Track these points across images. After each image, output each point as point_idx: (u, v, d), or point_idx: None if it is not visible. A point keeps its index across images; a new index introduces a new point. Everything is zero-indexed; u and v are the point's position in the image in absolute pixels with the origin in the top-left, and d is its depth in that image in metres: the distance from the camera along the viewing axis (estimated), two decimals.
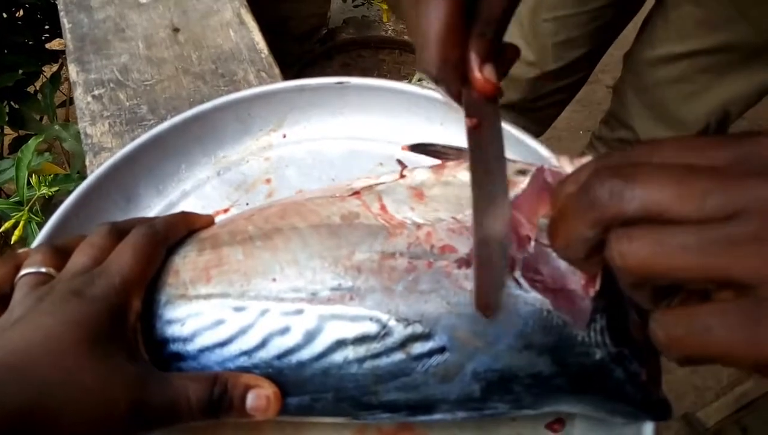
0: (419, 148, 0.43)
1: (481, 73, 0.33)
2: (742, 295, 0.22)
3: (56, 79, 1.02)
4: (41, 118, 1.05)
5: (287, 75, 0.62)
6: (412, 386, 0.33)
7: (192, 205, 0.50)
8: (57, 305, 0.31)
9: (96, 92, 0.62)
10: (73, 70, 0.65)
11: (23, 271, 0.35)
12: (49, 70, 1.10)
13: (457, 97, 0.35)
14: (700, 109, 0.81)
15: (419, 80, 1.79)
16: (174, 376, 0.33)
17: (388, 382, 0.33)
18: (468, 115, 0.35)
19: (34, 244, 0.44)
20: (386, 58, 1.94)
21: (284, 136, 0.53)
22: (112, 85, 0.62)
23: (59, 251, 0.36)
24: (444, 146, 0.42)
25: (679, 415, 1.02)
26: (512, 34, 0.93)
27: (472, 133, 0.35)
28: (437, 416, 0.34)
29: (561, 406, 0.35)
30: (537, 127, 1.12)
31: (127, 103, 0.60)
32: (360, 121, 0.53)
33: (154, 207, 0.50)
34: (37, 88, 1.06)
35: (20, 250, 0.38)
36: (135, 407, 0.30)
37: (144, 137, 0.50)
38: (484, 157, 0.34)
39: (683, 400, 1.04)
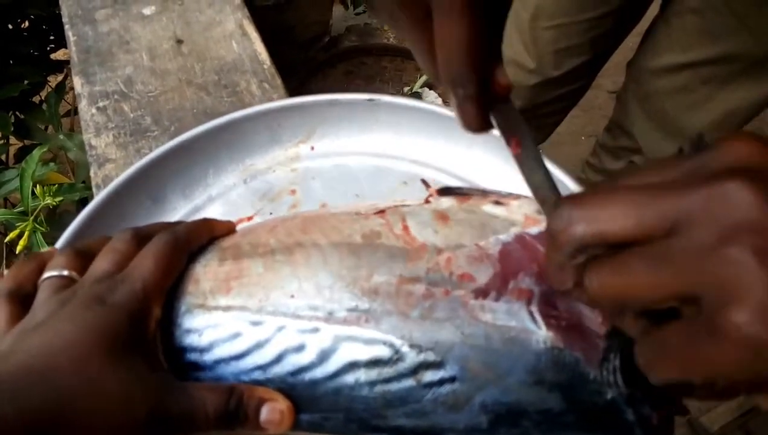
0: (446, 193, 0.43)
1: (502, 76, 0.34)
2: (699, 310, 0.22)
3: (61, 89, 1.03)
4: (46, 128, 1.06)
5: (290, 83, 0.62)
6: (420, 413, 0.33)
7: (217, 210, 0.51)
8: (79, 312, 0.32)
9: (100, 104, 0.63)
10: (77, 83, 0.66)
11: (46, 274, 0.35)
12: (54, 80, 1.11)
13: (480, 111, 0.35)
14: (702, 119, 0.81)
15: (422, 86, 1.79)
16: (192, 386, 0.33)
17: (398, 407, 0.33)
18: (505, 134, 0.33)
19: (60, 242, 0.45)
20: (388, 66, 1.95)
21: (312, 149, 0.54)
22: (116, 96, 0.63)
23: (82, 254, 0.37)
24: (470, 189, 0.42)
25: (684, 420, 1.01)
26: (512, 40, 0.94)
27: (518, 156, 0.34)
28: None
29: None
30: (539, 134, 1.12)
31: (132, 115, 0.61)
32: (387, 138, 0.54)
33: (180, 210, 0.51)
34: (42, 98, 1.07)
35: (44, 250, 0.39)
36: (154, 415, 0.31)
37: (174, 141, 0.51)
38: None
39: (687, 405, 1.03)
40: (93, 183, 0.56)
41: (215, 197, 0.52)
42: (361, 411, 0.33)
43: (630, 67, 0.92)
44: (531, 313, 0.32)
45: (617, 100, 0.98)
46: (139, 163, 0.50)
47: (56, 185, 0.71)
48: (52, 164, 0.75)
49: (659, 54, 0.82)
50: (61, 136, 0.92)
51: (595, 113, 1.80)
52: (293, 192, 0.52)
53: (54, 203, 0.69)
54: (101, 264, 0.36)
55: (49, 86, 1.08)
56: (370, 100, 0.52)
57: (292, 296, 0.35)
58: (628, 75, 0.92)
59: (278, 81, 0.63)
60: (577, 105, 1.08)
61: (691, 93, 0.80)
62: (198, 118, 0.55)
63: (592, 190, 0.26)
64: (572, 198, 0.26)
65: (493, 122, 0.32)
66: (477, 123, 0.31)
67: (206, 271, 0.38)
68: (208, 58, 0.67)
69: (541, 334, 0.32)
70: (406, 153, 0.53)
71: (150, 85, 0.64)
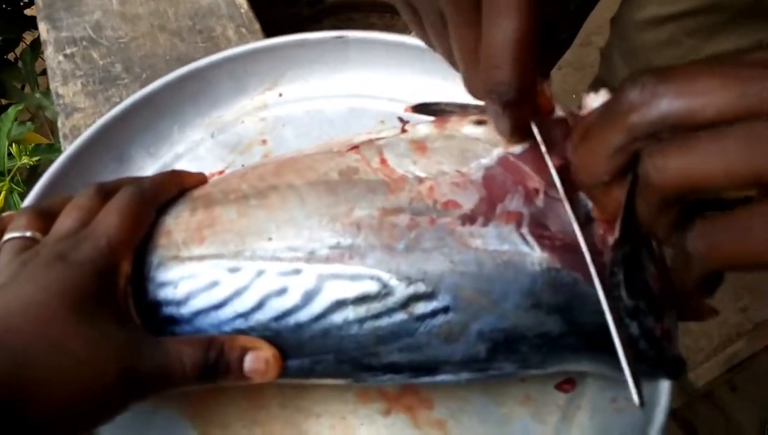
0: (422, 109, 0.41)
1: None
2: None
3: (36, 46, 0.98)
4: (23, 87, 1.02)
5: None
6: (414, 347, 0.31)
7: (185, 167, 0.49)
8: (40, 271, 0.30)
9: (68, 51, 0.59)
10: (43, 29, 0.62)
11: (7, 236, 0.33)
12: (29, 36, 1.06)
13: (522, 125, 0.32)
14: None
15: None
16: (167, 340, 0.31)
17: (390, 343, 0.32)
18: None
19: (22, 207, 0.43)
20: (377, 22, 1.90)
21: (281, 95, 0.52)
22: (84, 43, 0.60)
23: (44, 214, 0.35)
24: (447, 103, 0.41)
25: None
26: None
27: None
28: (441, 377, 0.33)
29: (570, 366, 0.33)
30: None
31: (101, 62, 0.58)
32: (360, 77, 0.51)
33: (147, 169, 0.49)
34: (18, 56, 1.03)
35: (4, 214, 0.36)
36: (126, 374, 0.29)
37: (135, 97, 0.49)
38: None
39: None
40: (60, 133, 0.53)
41: (183, 154, 0.49)
42: (352, 350, 0.32)
43: (614, 22, 0.89)
44: (522, 236, 0.31)
45: (601, 57, 0.96)
46: (99, 122, 0.47)
47: (33, 145, 0.68)
48: (29, 124, 0.72)
49: (643, 6, 0.79)
50: (38, 95, 0.88)
51: (587, 71, 1.77)
52: (264, 142, 0.50)
53: (31, 163, 0.67)
54: (64, 222, 0.34)
55: (24, 43, 1.03)
56: (338, 37, 0.50)
57: (270, 239, 0.33)
58: (612, 30, 0.90)
59: (256, 26, 0.60)
60: (569, 63, 1.05)
61: (676, 46, 0.77)
62: (171, 65, 0.52)
63: (672, 67, 0.23)
64: (652, 70, 0.23)
65: (534, 131, 0.31)
66: (513, 133, 0.31)
67: (177, 223, 0.36)
68: (182, 2, 0.64)
69: (536, 255, 0.30)
70: (381, 91, 0.50)
71: (120, 31, 0.61)
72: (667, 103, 0.22)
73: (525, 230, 0.31)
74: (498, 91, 0.28)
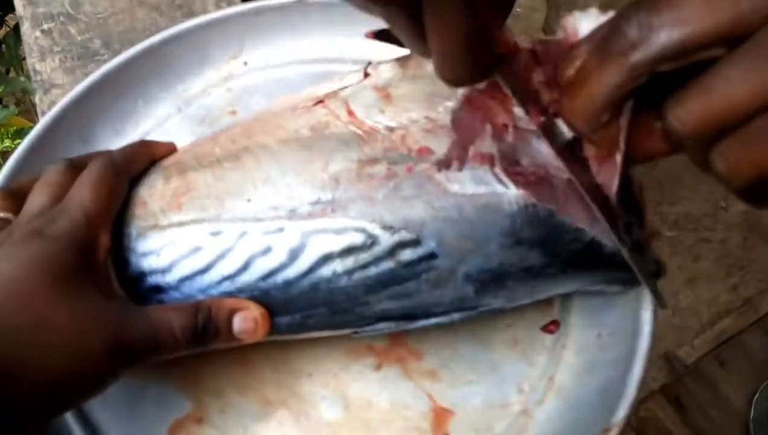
0: (384, 36, 0.41)
1: None
2: None
3: (20, 29, 0.96)
4: (7, 71, 0.99)
5: None
6: (404, 294, 0.32)
7: None
8: (17, 249, 0.29)
9: (45, 26, 0.57)
10: (19, 4, 0.60)
11: None
12: (12, 19, 1.03)
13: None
14: None
15: None
16: (154, 309, 0.31)
17: (380, 291, 0.32)
18: (520, 99, 0.31)
19: None
20: None
21: (245, 64, 0.51)
22: (62, 18, 0.58)
23: (15, 194, 0.34)
24: None
25: (660, 354, 1.04)
26: None
27: None
28: (433, 320, 0.33)
29: (555, 291, 0.35)
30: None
31: (79, 38, 0.57)
32: (325, 41, 0.51)
33: (113, 148, 0.48)
34: (1, 39, 1.00)
35: None
36: (113, 344, 0.29)
37: (95, 75, 0.47)
38: None
39: (664, 340, 1.05)
40: (39, 110, 0.52)
41: (150, 130, 0.48)
42: (342, 302, 0.32)
43: None
44: (497, 175, 0.31)
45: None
46: (60, 104, 0.46)
47: (14, 128, 0.67)
48: (12, 107, 0.70)
49: None
50: (22, 79, 0.85)
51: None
52: (233, 113, 0.49)
53: (13, 146, 0.65)
54: (36, 199, 0.33)
55: (7, 26, 1.00)
56: (299, 1, 0.49)
57: (249, 200, 0.33)
58: None
59: None
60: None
61: None
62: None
63: None
64: (643, 3, 0.22)
65: (501, 84, 0.30)
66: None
67: (152, 193, 0.35)
68: None
69: (511, 193, 0.31)
70: (347, 53, 0.50)
71: (99, 6, 0.59)
72: (666, 36, 0.21)
73: (498, 169, 0.32)
74: (452, 81, 0.27)
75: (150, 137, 0.48)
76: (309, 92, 0.37)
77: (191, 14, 0.58)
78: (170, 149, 0.39)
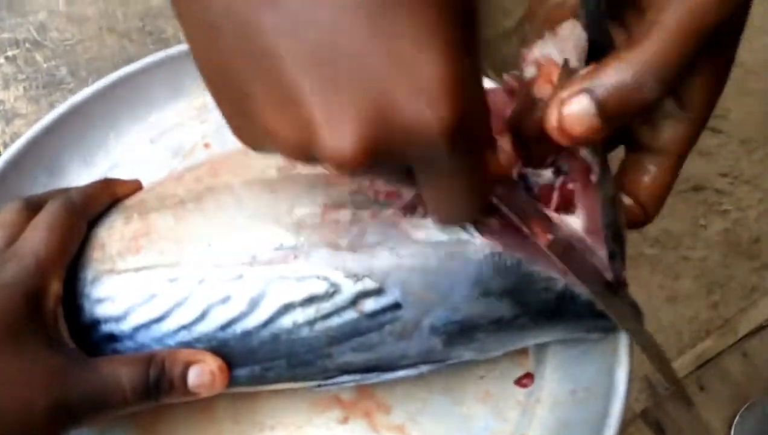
0: None
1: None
2: None
3: None
4: None
5: None
6: (368, 346, 0.30)
7: (124, 176, 0.46)
8: None
9: (9, 53, 0.56)
10: None
11: None
12: None
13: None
14: None
15: None
16: (103, 361, 0.30)
17: (343, 343, 0.30)
18: (523, 220, 0.29)
19: None
20: None
21: None
22: (27, 45, 0.57)
23: None
24: None
25: (642, 376, 1.03)
26: None
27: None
28: (400, 373, 0.32)
29: (529, 342, 0.33)
30: None
31: (45, 65, 0.56)
32: None
33: (82, 181, 0.46)
34: None
35: None
36: (57, 404, 0.27)
37: (65, 105, 0.46)
38: None
39: (645, 359, 1.04)
40: (0, 141, 0.51)
41: (120, 162, 0.47)
42: (304, 353, 0.31)
43: None
44: (461, 224, 0.30)
45: None
46: (26, 135, 0.45)
47: None
48: None
49: None
50: None
51: None
52: (207, 146, 0.47)
53: None
54: None
55: None
56: None
57: (209, 245, 0.32)
58: None
59: None
60: None
61: None
62: (118, 67, 0.49)
63: None
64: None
65: (501, 207, 0.29)
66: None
67: (111, 234, 0.34)
68: (132, 2, 0.61)
69: (477, 242, 0.30)
70: None
71: (66, 33, 0.58)
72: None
73: None
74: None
75: (121, 170, 0.47)
76: None
77: (161, 42, 0.57)
78: (135, 187, 0.38)
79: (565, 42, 0.29)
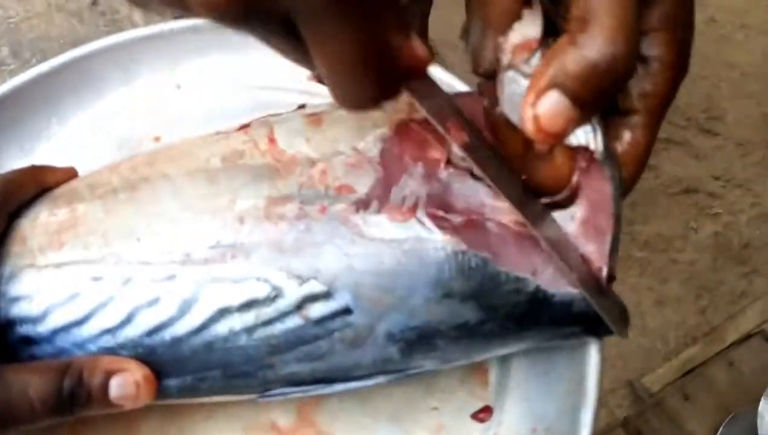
0: None
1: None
2: None
3: None
4: None
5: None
6: (316, 355, 0.27)
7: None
8: None
9: None
10: None
11: None
12: None
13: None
14: None
15: None
16: (10, 369, 0.26)
17: (286, 352, 0.27)
18: (437, 118, 0.26)
19: None
20: None
21: (178, 87, 0.46)
22: None
23: None
24: None
25: (625, 381, 1.01)
26: None
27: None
28: (353, 384, 0.29)
29: (497, 352, 0.30)
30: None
31: None
32: (268, 67, 0.46)
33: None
34: None
35: None
36: None
37: (5, 87, 0.42)
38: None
39: (631, 364, 1.02)
40: None
41: (61, 151, 0.43)
42: (242, 364, 0.27)
43: None
44: (419, 219, 0.27)
45: None
46: None
47: None
48: None
49: None
50: None
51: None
52: (158, 139, 0.43)
53: None
54: None
55: None
56: None
57: (139, 240, 0.28)
58: None
59: None
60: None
61: None
62: (65, 49, 0.46)
63: None
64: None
65: (415, 102, 0.25)
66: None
67: (35, 226, 0.30)
68: None
69: (437, 239, 0.27)
70: (293, 82, 0.45)
71: (11, 10, 0.53)
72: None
73: (421, 212, 0.27)
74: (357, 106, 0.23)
75: (61, 159, 0.43)
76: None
77: (114, 23, 0.53)
78: (68, 175, 0.34)
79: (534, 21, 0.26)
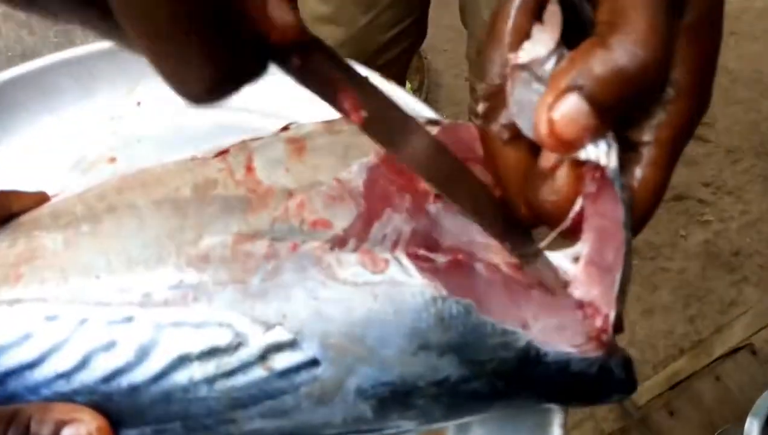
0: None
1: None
2: None
3: None
4: None
5: None
6: (280, 412, 0.25)
7: (8, 187, 0.40)
8: None
9: None
10: None
11: None
12: None
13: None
14: None
15: None
16: None
17: (250, 406, 0.25)
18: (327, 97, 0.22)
19: None
20: None
21: (138, 105, 0.43)
22: None
23: None
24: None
25: None
26: None
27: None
28: None
29: (488, 411, 0.28)
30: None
31: None
32: None
33: None
34: None
35: None
36: None
37: None
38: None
39: None
40: None
41: (8, 169, 0.40)
42: (202, 417, 0.25)
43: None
44: (398, 259, 0.25)
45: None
46: None
47: None
48: None
49: None
50: None
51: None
52: (113, 160, 0.41)
53: None
54: None
55: None
56: None
57: (98, 277, 0.26)
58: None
59: None
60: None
61: None
62: (13, 61, 0.43)
63: None
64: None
65: (301, 84, 0.21)
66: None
67: None
68: None
69: (415, 283, 0.24)
70: (254, 104, 0.42)
71: None
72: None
73: (400, 252, 0.25)
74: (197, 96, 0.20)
75: (8, 179, 0.41)
76: (219, 145, 0.30)
77: (65, 34, 0.50)
78: (36, 201, 0.32)
79: (544, 39, 0.24)
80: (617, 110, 0.22)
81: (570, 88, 0.22)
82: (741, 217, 1.16)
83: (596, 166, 0.23)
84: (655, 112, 0.24)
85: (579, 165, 0.23)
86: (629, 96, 0.22)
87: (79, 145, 0.41)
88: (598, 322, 0.25)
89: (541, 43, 0.24)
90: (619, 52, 0.21)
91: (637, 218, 0.25)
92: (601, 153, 0.23)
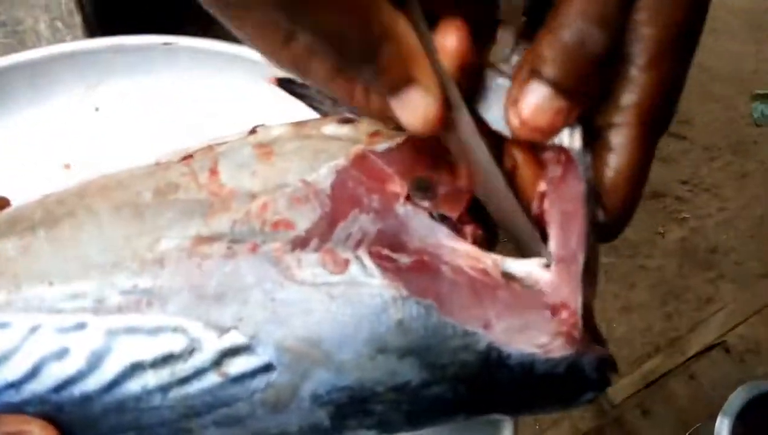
0: (289, 86, 0.34)
1: None
2: None
3: None
4: None
5: (191, 31, 0.48)
6: (235, 419, 0.24)
7: None
8: None
9: None
10: None
11: None
12: None
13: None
14: None
15: None
16: None
17: (204, 415, 0.24)
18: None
19: None
20: None
21: (96, 110, 0.43)
22: None
23: None
24: (320, 92, 0.33)
25: None
26: None
27: None
28: None
29: (452, 419, 0.27)
30: None
31: None
32: (195, 93, 0.42)
33: None
34: None
35: None
36: None
37: None
38: None
39: None
40: None
41: None
42: (157, 427, 0.24)
43: None
44: (359, 259, 0.24)
45: None
46: None
47: None
48: None
49: None
50: None
51: None
52: (67, 166, 0.41)
53: None
54: None
55: None
56: (165, 44, 0.41)
57: (51, 284, 0.26)
58: None
59: (77, 19, 0.50)
60: None
61: None
62: None
63: None
64: None
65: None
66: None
67: None
68: None
69: (375, 284, 0.24)
70: (219, 110, 0.41)
71: None
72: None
73: (362, 251, 0.24)
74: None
75: None
76: (186, 148, 0.30)
77: (15, 34, 0.49)
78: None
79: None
80: (582, 87, 0.22)
81: (530, 77, 0.22)
82: (718, 214, 1.17)
83: (560, 149, 0.23)
84: (621, 91, 0.23)
85: (538, 162, 0.24)
86: (584, 70, 0.22)
87: (30, 148, 0.40)
88: (564, 315, 0.24)
89: (503, 42, 0.25)
90: (562, 31, 0.21)
91: (614, 209, 0.24)
92: (564, 135, 0.23)
